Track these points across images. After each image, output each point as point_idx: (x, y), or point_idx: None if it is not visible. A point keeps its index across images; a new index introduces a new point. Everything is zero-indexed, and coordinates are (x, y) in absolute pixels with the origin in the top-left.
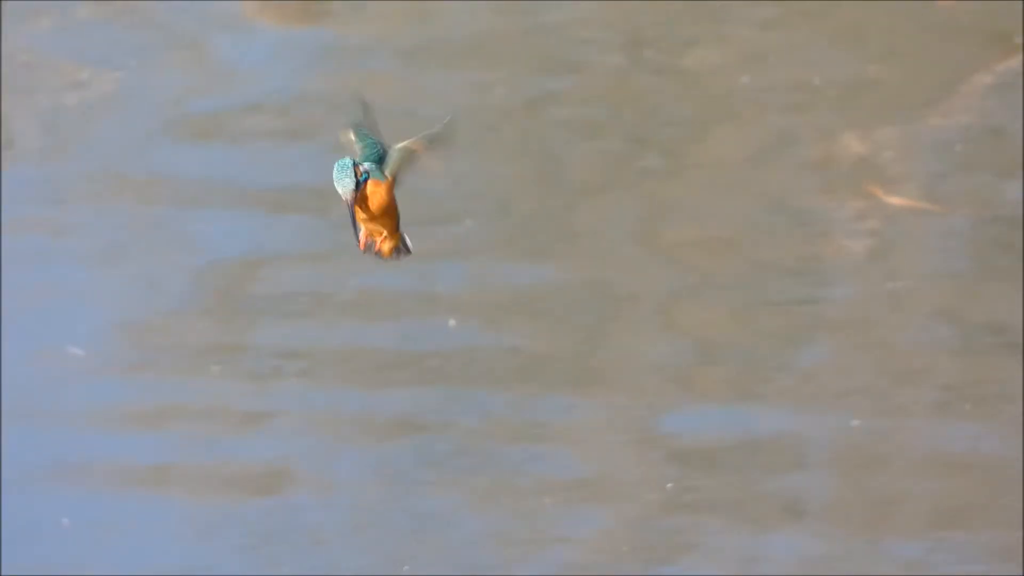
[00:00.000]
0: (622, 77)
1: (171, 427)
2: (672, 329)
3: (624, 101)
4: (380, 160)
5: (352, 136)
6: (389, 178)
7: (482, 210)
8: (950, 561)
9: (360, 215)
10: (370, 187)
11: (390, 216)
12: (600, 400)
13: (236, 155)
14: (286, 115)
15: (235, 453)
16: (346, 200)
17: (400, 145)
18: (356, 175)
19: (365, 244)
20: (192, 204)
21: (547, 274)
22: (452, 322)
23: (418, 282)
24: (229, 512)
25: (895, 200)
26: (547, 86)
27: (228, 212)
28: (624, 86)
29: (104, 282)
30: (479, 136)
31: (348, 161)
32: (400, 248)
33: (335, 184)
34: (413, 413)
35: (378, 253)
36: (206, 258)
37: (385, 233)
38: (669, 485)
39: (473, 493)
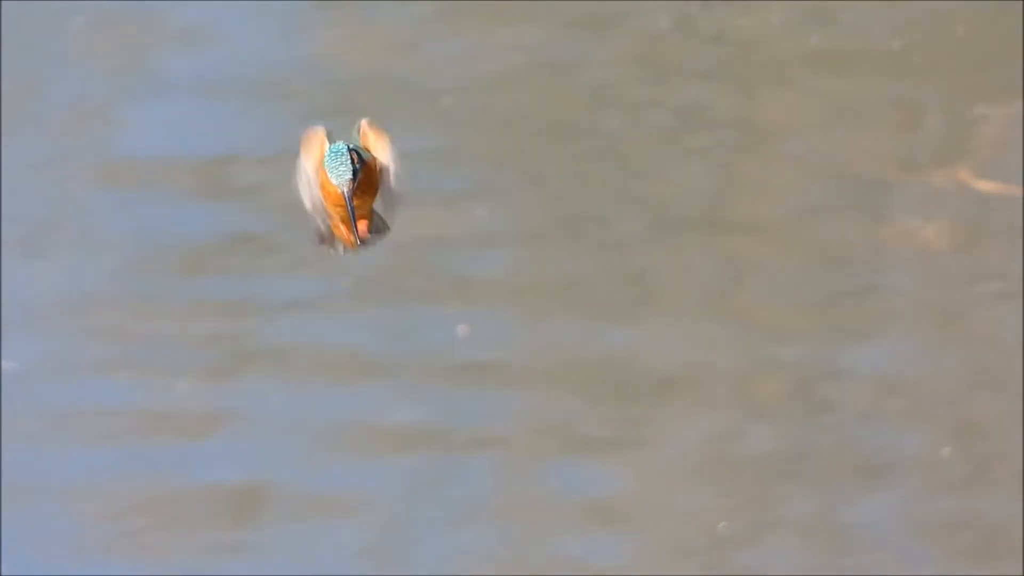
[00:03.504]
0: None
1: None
2: (731, 316)
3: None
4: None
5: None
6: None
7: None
8: None
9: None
10: (364, 173)
11: (373, 197)
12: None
13: None
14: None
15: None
16: (345, 193)
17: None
18: (354, 162)
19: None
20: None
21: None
22: (462, 327)
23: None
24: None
25: (984, 184)
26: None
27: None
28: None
29: None
30: (497, 104)
31: (343, 146)
32: (377, 225)
33: (332, 176)
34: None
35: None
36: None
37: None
38: (722, 524)
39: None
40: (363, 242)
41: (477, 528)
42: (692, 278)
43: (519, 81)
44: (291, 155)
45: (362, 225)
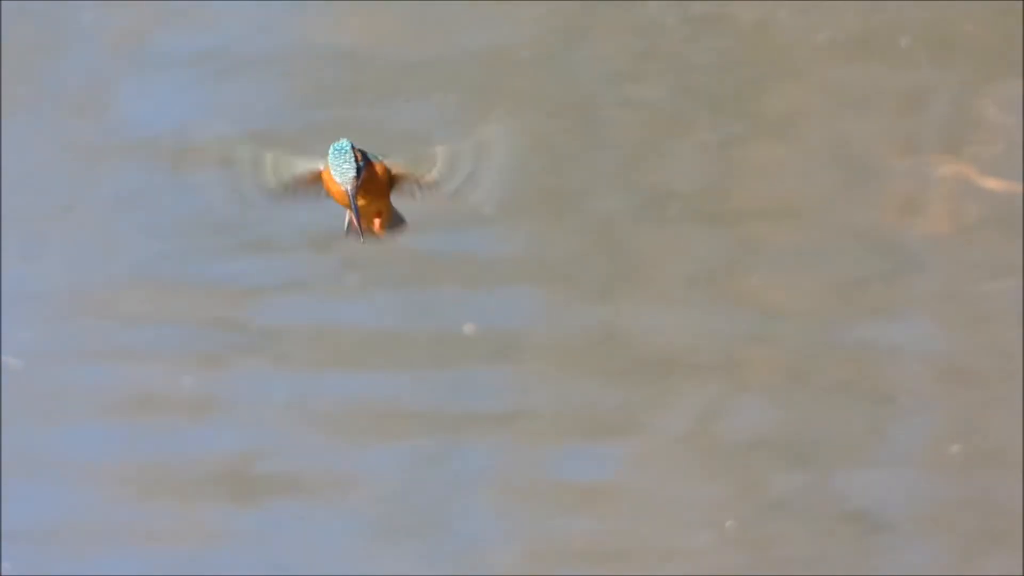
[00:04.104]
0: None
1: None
2: (734, 299)
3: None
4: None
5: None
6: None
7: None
8: None
9: (360, 200)
10: (367, 172)
11: (387, 195)
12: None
13: None
14: None
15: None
16: (348, 190)
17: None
18: (357, 159)
19: (365, 230)
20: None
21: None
22: (468, 327)
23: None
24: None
25: (990, 182)
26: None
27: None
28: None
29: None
30: (502, 89)
31: (346, 144)
32: (395, 222)
33: (334, 173)
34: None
35: (373, 233)
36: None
37: (380, 211)
38: (729, 523)
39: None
40: (376, 236)
41: (477, 512)
42: (696, 261)
43: (527, 66)
44: (293, 138)
45: (376, 221)
